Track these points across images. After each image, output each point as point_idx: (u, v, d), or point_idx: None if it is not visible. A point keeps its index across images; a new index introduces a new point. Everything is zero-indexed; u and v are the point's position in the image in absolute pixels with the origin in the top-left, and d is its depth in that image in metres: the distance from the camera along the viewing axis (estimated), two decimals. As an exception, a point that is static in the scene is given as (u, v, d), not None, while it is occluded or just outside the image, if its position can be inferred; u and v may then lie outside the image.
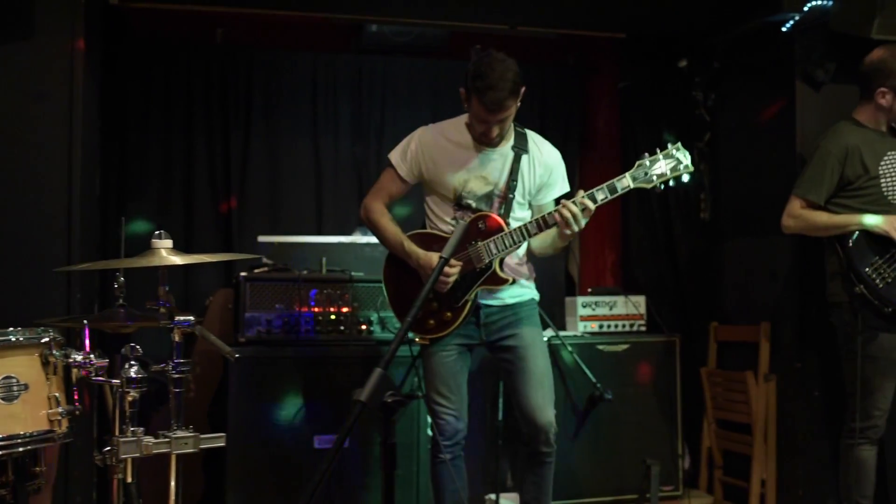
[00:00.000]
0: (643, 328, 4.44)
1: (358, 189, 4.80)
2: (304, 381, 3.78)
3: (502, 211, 3.25)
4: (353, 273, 3.98)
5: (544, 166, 3.33)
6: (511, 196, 3.25)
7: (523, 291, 3.37)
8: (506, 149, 3.27)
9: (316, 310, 3.88)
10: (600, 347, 4.15)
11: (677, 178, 3.17)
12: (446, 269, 3.14)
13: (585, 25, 4.63)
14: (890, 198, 3.64)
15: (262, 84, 4.70)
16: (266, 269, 3.99)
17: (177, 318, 2.43)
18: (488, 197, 3.27)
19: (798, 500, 4.14)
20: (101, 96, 4.13)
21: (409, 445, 3.88)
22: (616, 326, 4.39)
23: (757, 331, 4.32)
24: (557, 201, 3.30)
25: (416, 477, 3.92)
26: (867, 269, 3.55)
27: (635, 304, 4.42)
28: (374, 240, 4.38)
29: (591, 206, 3.06)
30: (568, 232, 3.06)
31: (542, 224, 3.12)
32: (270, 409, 3.75)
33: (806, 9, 4.00)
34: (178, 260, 2.52)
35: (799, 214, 3.71)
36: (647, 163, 3.12)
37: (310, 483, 1.78)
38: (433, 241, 3.27)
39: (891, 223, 3.55)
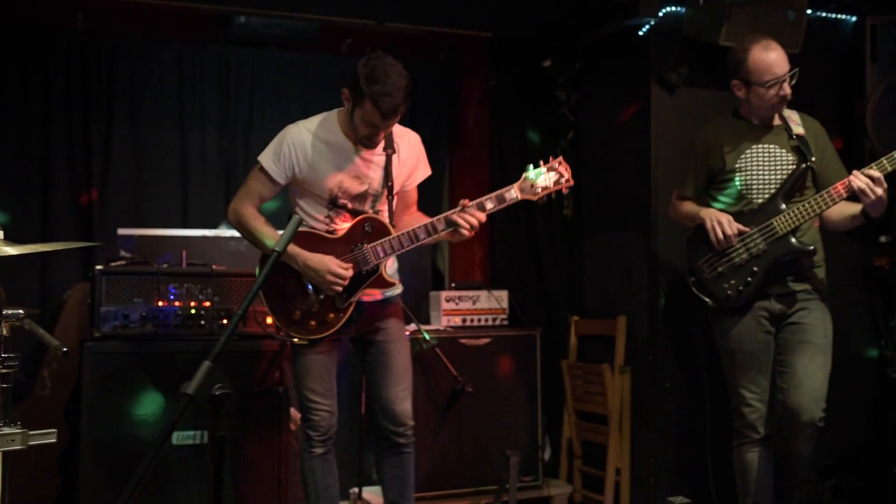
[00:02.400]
0: (506, 322, 4.51)
1: (225, 182, 4.72)
2: (162, 377, 3.69)
3: (376, 210, 3.29)
4: (214, 266, 3.92)
5: (411, 156, 3.37)
6: (390, 197, 3.28)
7: (394, 287, 3.40)
8: (378, 148, 3.27)
9: (176, 304, 3.81)
10: (463, 341, 4.19)
11: (559, 191, 3.24)
12: (341, 270, 3.14)
13: (451, 23, 4.68)
14: (746, 193, 3.51)
15: (125, 73, 4.56)
16: (124, 262, 3.90)
17: (4, 311, 2.36)
18: (362, 196, 3.28)
19: (650, 488, 4.30)
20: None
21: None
22: (479, 320, 4.44)
23: (614, 325, 4.45)
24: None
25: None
26: (700, 262, 3.54)
27: (498, 299, 4.50)
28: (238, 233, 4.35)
29: (482, 216, 3.16)
30: (467, 235, 3.16)
31: (430, 230, 3.18)
32: (127, 406, 3.65)
33: (661, 14, 4.17)
34: (10, 250, 2.45)
35: (672, 205, 3.78)
36: (532, 175, 3.19)
37: (132, 479, 1.77)
38: (314, 241, 3.23)
39: (715, 219, 3.44)
